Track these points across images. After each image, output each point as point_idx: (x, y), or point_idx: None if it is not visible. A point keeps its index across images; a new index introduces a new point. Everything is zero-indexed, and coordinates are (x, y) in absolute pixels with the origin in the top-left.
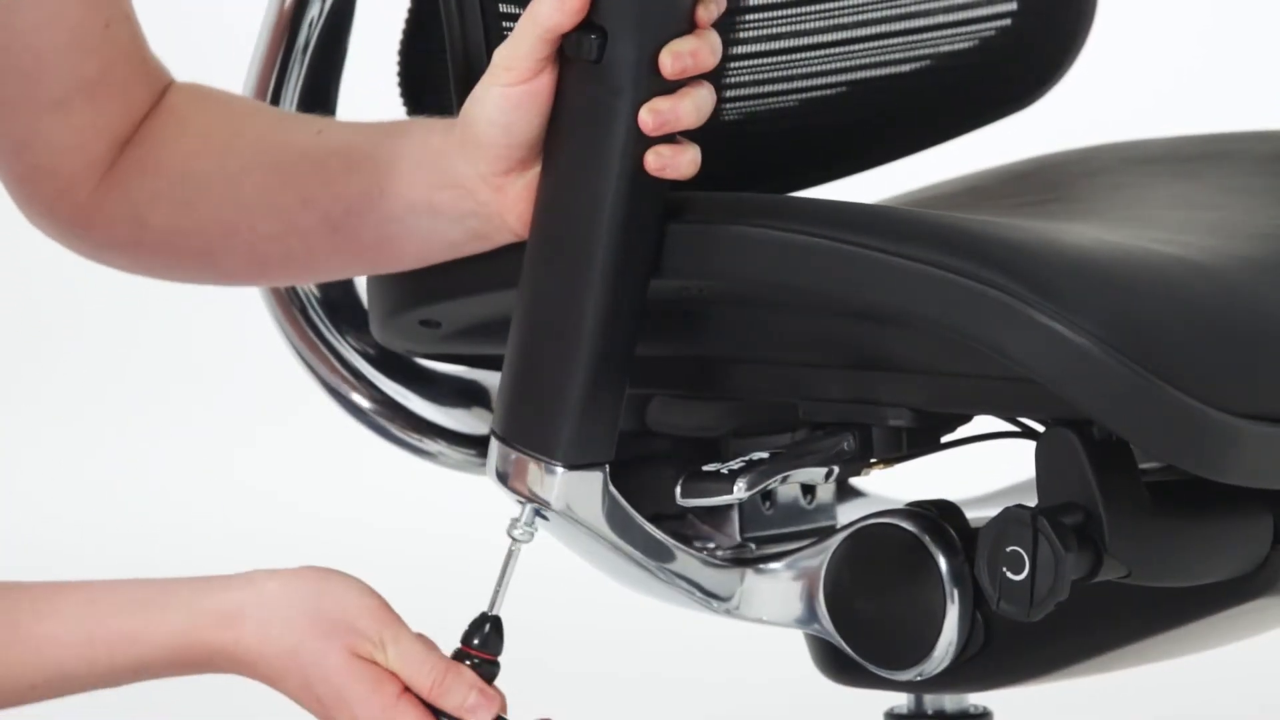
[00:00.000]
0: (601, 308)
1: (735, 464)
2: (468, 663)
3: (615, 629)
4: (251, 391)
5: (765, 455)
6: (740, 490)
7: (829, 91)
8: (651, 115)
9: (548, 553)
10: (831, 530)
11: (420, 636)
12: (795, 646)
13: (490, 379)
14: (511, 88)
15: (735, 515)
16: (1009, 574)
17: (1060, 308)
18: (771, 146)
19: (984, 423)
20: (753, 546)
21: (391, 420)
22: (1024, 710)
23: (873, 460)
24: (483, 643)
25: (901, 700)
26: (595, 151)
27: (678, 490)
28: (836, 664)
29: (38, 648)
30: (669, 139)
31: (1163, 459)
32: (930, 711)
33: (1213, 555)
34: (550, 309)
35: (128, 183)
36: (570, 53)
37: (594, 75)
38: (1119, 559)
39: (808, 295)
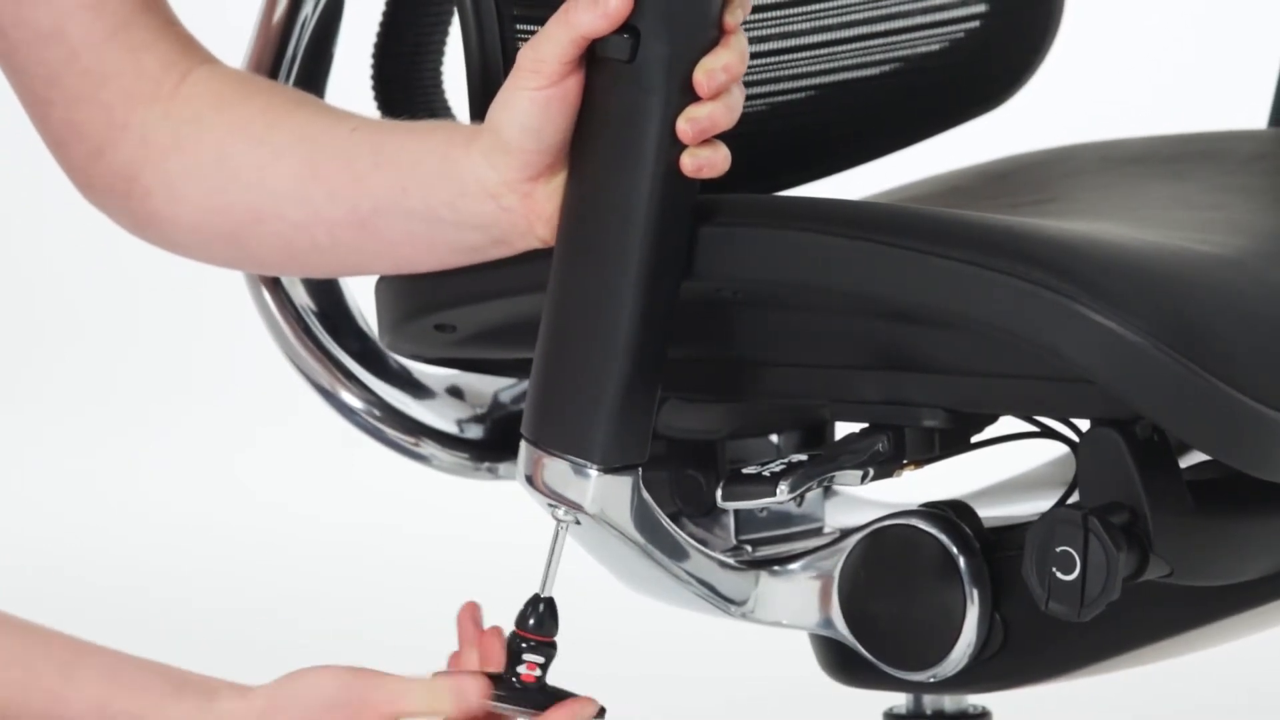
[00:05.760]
0: (637, 309)
1: (776, 466)
2: (523, 646)
3: (608, 629)
4: (251, 393)
5: (804, 458)
6: (783, 492)
7: (805, 94)
8: (690, 124)
9: (542, 556)
10: (820, 531)
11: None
12: (791, 646)
13: (479, 382)
14: (540, 91)
15: (731, 518)
16: (1059, 574)
17: (1113, 306)
18: (747, 148)
19: (1006, 423)
20: (749, 549)
21: (385, 423)
22: (1022, 710)
23: (905, 461)
24: (537, 625)
25: (900, 700)
26: (629, 152)
27: (719, 493)
28: (843, 665)
29: (52, 705)
30: None
31: (1219, 457)
32: (929, 711)
33: (1251, 553)
34: (584, 312)
35: (165, 159)
36: (602, 54)
37: (626, 76)
38: (1164, 558)
39: (851, 298)
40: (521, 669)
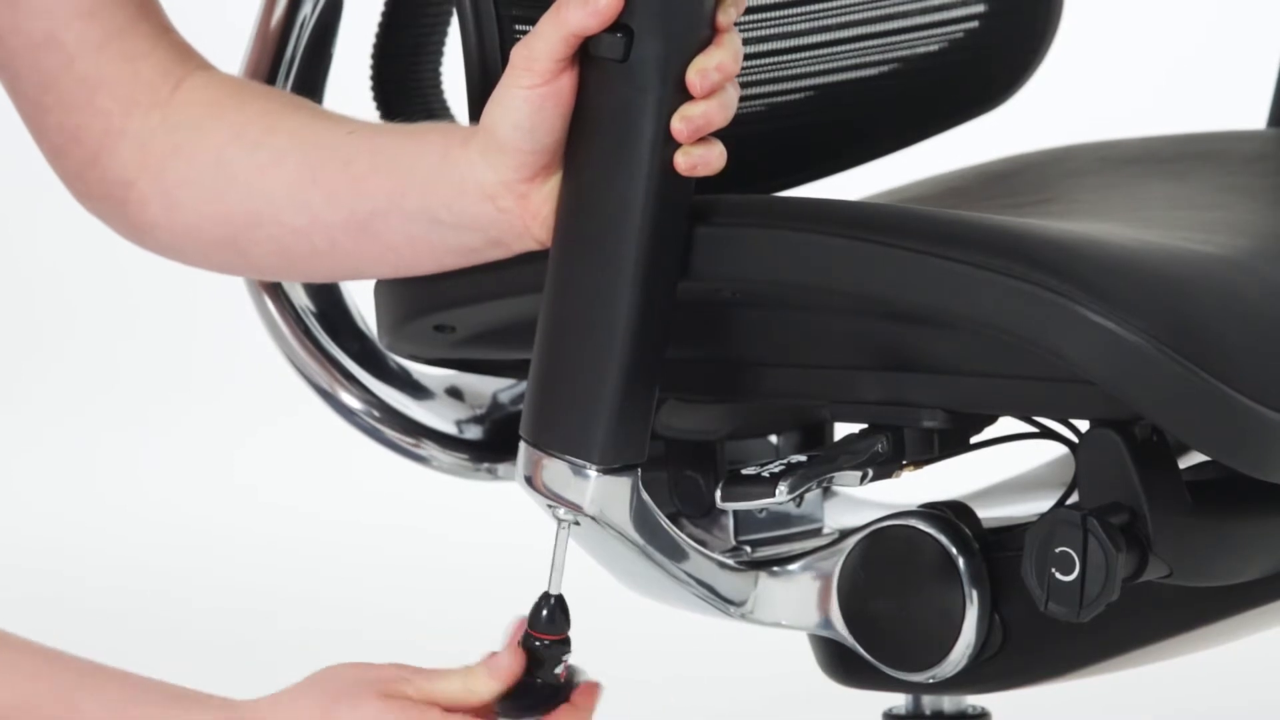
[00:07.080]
0: (635, 308)
1: (775, 467)
2: (537, 644)
3: (608, 629)
4: (251, 393)
5: (803, 459)
6: (782, 493)
7: (804, 94)
8: (685, 123)
9: (540, 557)
10: (819, 531)
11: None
12: (790, 646)
13: (478, 382)
14: (533, 89)
15: (730, 519)
16: (1058, 575)
17: (1113, 307)
18: (746, 149)
19: (1005, 424)
20: (748, 550)
21: (384, 424)
22: (1022, 710)
23: (904, 462)
24: (549, 623)
25: (900, 700)
26: (624, 151)
27: (718, 494)
28: (843, 666)
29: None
30: None
31: (1218, 458)
32: (929, 712)
33: (1250, 553)
34: (582, 312)
35: (162, 164)
36: (595, 53)
37: (620, 75)
38: (1163, 559)
39: (850, 298)
40: (559, 669)
